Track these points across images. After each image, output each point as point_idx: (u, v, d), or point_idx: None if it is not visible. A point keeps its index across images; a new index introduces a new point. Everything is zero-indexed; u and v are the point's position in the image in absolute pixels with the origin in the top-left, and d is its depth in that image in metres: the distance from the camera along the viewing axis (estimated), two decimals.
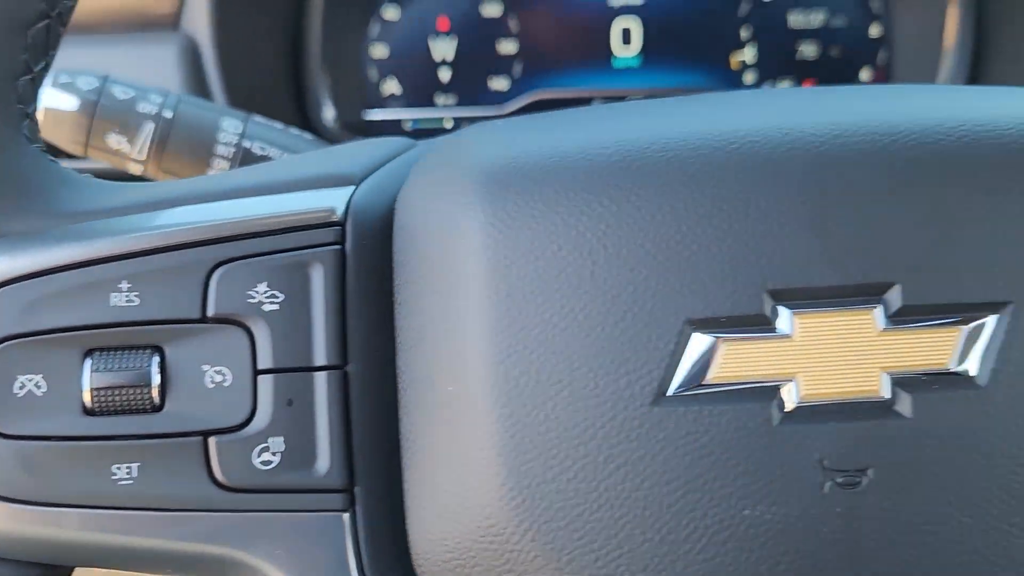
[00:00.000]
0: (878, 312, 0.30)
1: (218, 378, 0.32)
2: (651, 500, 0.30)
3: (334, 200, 0.33)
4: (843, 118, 0.31)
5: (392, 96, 0.89)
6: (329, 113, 0.86)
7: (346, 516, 0.32)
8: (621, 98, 0.90)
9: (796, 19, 0.89)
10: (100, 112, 0.53)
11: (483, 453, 0.30)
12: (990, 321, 0.30)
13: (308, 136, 0.61)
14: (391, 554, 0.32)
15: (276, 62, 0.84)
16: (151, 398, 0.32)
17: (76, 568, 0.35)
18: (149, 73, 0.66)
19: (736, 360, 0.30)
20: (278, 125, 0.59)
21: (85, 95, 0.53)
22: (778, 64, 0.90)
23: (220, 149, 0.54)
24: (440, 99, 0.89)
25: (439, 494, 0.31)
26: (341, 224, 0.32)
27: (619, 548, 0.30)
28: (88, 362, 0.32)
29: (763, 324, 0.30)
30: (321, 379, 0.32)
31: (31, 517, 0.32)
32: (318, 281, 0.32)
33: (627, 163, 0.31)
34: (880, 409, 0.30)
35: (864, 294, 0.30)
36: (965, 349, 0.30)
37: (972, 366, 0.30)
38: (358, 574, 0.32)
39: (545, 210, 0.31)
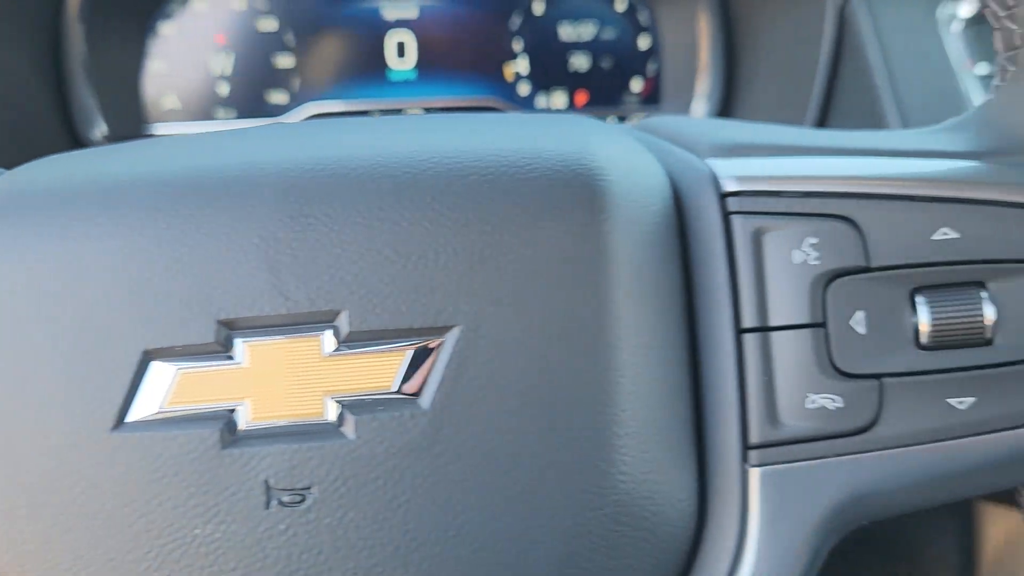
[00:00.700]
0: (327, 338, 0.32)
1: None
2: (113, 522, 0.31)
3: None
4: (304, 152, 0.33)
5: (171, 111, 0.90)
6: (100, 129, 0.86)
7: None
8: (399, 110, 0.91)
9: (567, 32, 0.92)
10: None
11: None
12: (435, 344, 0.32)
13: None
14: None
15: (37, 77, 0.84)
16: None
17: None
18: None
19: (192, 387, 0.32)
20: None
21: None
22: (551, 76, 0.92)
23: None
24: (220, 113, 0.90)
25: None
26: None
27: (87, 569, 0.31)
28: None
29: (218, 353, 0.32)
30: None
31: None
32: None
33: (92, 196, 0.32)
34: (325, 430, 0.31)
35: (313, 321, 0.32)
36: (409, 372, 0.32)
37: (415, 388, 0.32)
38: None
39: (15, 241, 0.32)
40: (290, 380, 0.32)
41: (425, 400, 0.32)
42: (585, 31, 0.92)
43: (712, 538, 0.36)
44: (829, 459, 0.34)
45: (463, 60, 0.92)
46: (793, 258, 0.35)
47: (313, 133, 0.36)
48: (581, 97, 0.93)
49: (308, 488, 0.31)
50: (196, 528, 0.31)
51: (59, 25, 0.85)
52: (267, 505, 0.31)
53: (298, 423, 0.31)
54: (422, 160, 0.33)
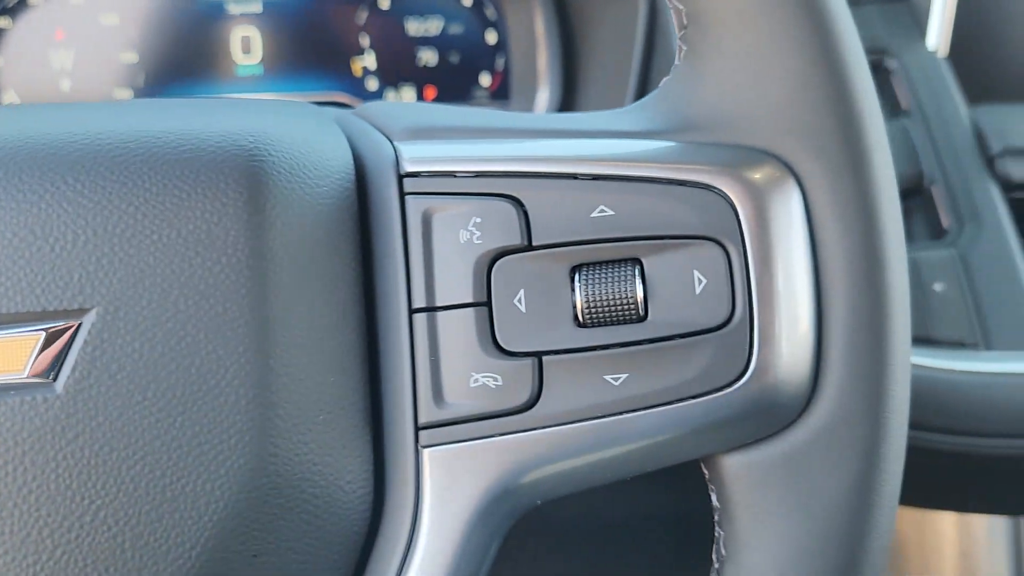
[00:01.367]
0: None
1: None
2: None
3: None
4: None
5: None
6: None
7: None
8: None
9: (414, 27, 0.92)
10: None
11: None
12: (70, 327, 0.32)
13: None
14: None
15: None
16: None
17: None
18: None
19: None
20: None
21: None
22: (399, 71, 0.92)
23: None
24: None
25: None
26: None
27: None
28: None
29: None
30: None
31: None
32: None
33: None
34: None
35: None
36: (42, 356, 0.31)
37: (47, 371, 0.31)
38: None
39: None
40: None
41: (59, 384, 0.31)
42: (432, 26, 0.92)
43: (389, 520, 0.35)
44: (494, 438, 0.34)
45: (310, 55, 0.91)
46: (460, 238, 0.35)
47: None
48: (430, 92, 0.93)
49: None
50: None
51: None
52: None
53: None
54: (68, 140, 0.33)
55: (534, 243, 0.35)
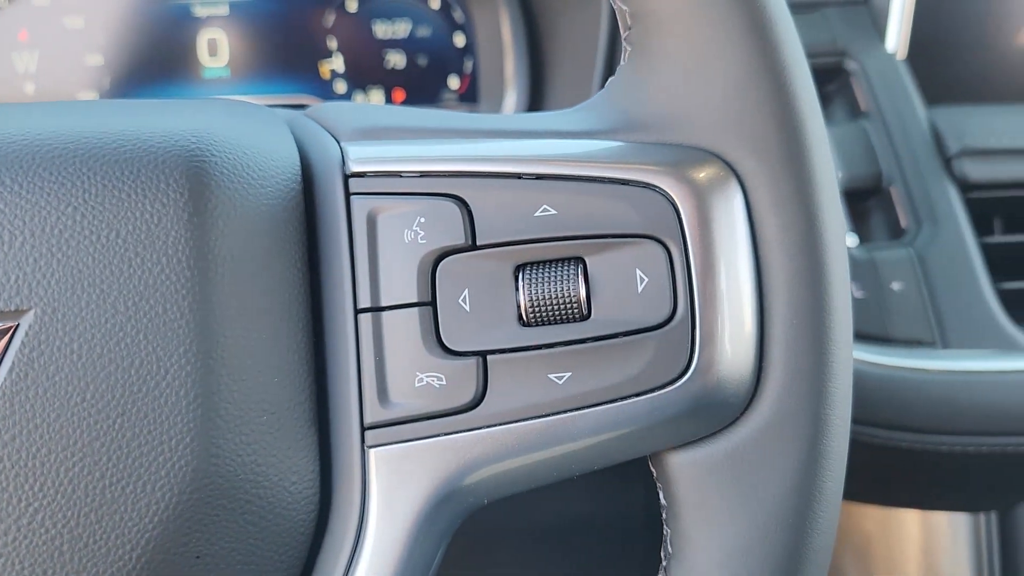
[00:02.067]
0: None
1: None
2: None
3: None
4: None
5: None
6: None
7: None
8: None
9: (382, 29, 0.92)
10: None
11: None
12: (9, 329, 0.31)
13: None
14: None
15: None
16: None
17: None
18: None
19: None
20: None
21: None
22: (367, 73, 0.92)
23: None
24: None
25: None
26: None
27: None
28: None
29: None
30: None
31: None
32: None
33: None
34: None
35: None
36: None
37: None
38: None
39: None
40: None
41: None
42: (400, 28, 0.92)
43: (336, 521, 0.35)
44: (439, 438, 0.34)
45: (277, 58, 0.91)
46: (404, 238, 0.35)
47: None
48: (398, 95, 0.93)
49: None
50: None
51: None
52: None
53: None
54: (5, 139, 0.33)
55: (478, 243, 0.35)
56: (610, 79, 0.38)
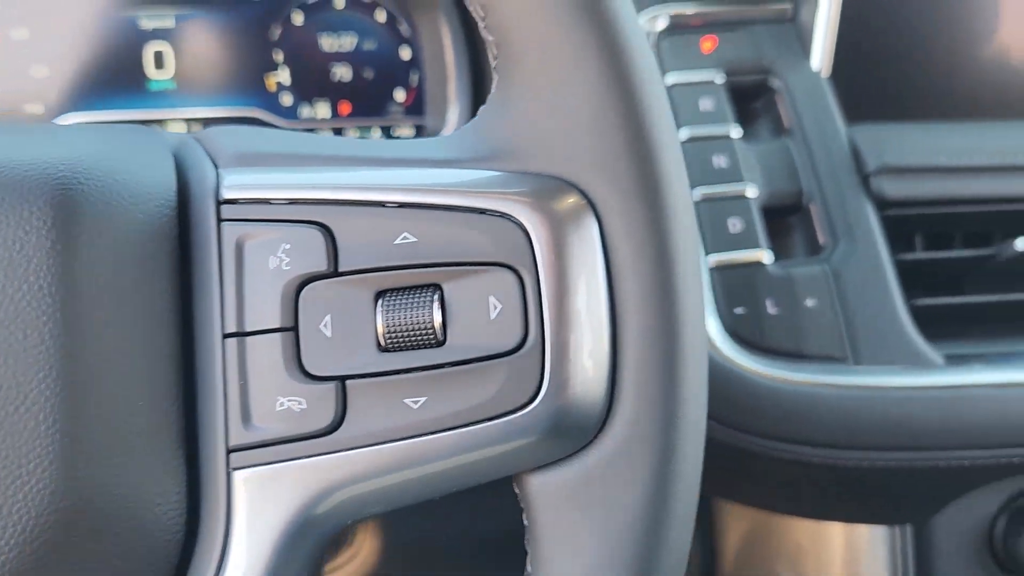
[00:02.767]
0: None
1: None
2: None
3: None
4: None
5: None
6: None
7: None
8: (159, 121, 0.91)
9: (328, 43, 0.93)
10: None
11: None
12: None
13: None
14: None
15: None
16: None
17: None
18: None
19: None
20: None
21: None
22: (313, 86, 0.92)
23: None
24: None
25: None
26: None
27: None
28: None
29: None
30: None
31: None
32: None
33: None
34: None
35: None
36: None
37: None
38: None
39: None
40: None
41: None
42: (346, 42, 0.93)
43: (202, 542, 0.36)
44: (300, 460, 0.35)
45: (223, 71, 0.92)
46: (270, 264, 0.36)
47: None
48: (344, 107, 0.93)
49: None
50: None
51: None
52: None
53: None
54: None
55: (340, 269, 0.35)
56: (481, 107, 0.39)
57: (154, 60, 0.91)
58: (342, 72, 0.93)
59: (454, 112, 0.90)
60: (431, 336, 0.35)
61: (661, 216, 0.35)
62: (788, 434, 0.60)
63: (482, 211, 0.35)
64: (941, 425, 0.60)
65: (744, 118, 0.73)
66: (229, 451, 0.36)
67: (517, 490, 0.37)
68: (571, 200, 0.35)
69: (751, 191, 0.66)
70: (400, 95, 0.94)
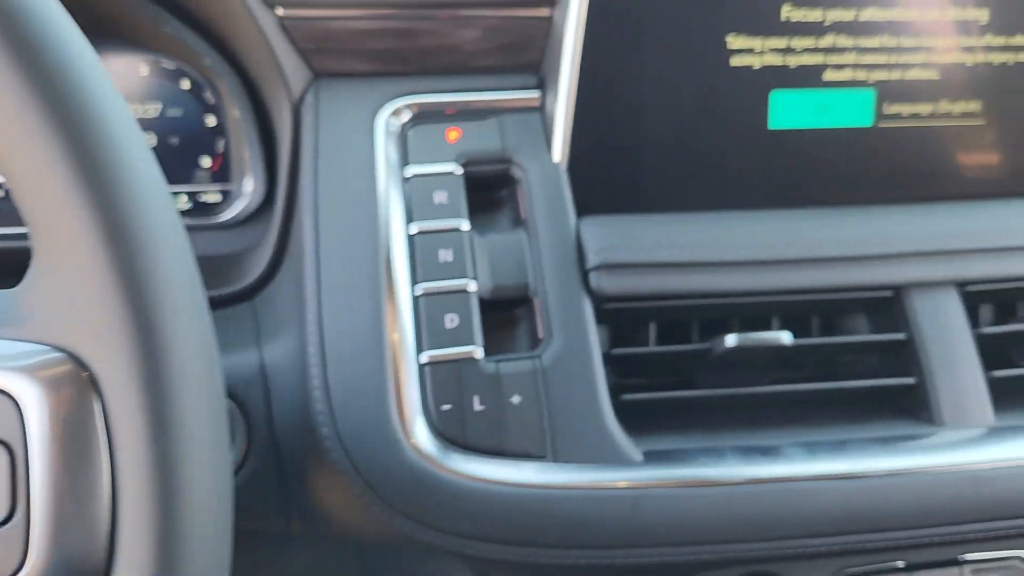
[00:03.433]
0: None
1: None
2: None
3: None
4: None
5: None
6: None
7: None
8: None
9: (133, 109, 0.94)
10: None
11: None
12: None
13: None
14: None
15: None
16: None
17: None
18: None
19: None
20: None
21: None
22: None
23: None
24: None
25: None
26: None
27: None
28: None
29: None
30: None
31: None
32: None
33: None
34: None
35: None
36: None
37: None
38: None
39: None
40: None
41: None
42: (151, 108, 0.94)
43: None
44: None
45: None
46: None
47: None
48: None
49: None
50: None
51: None
52: None
53: None
54: None
55: None
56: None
57: None
58: (148, 139, 0.94)
59: (248, 184, 0.91)
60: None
61: (160, 388, 0.37)
62: (480, 532, 0.62)
63: None
64: (624, 525, 0.62)
65: (488, 208, 0.74)
66: None
67: None
68: (67, 370, 0.37)
69: (472, 286, 0.67)
70: (206, 161, 0.95)
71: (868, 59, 0.76)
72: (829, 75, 0.75)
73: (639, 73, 0.73)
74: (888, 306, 0.73)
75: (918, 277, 0.72)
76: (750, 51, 0.74)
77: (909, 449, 0.67)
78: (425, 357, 0.65)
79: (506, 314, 0.70)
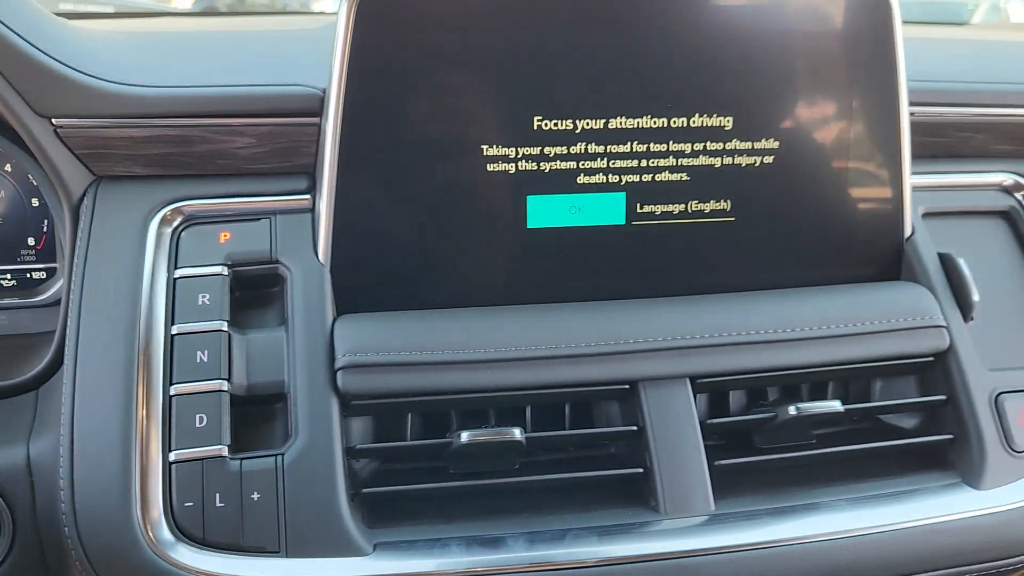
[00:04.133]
0: None
1: None
2: None
3: None
4: None
5: None
6: None
7: None
8: None
9: None
10: None
11: None
12: None
13: None
14: None
15: None
16: None
17: None
18: None
19: None
20: None
21: None
22: None
23: None
24: None
25: None
26: None
27: None
28: None
29: None
30: None
31: None
32: None
33: None
34: None
35: None
36: None
37: None
38: None
39: None
40: None
41: None
42: None
43: None
44: None
45: None
46: None
47: None
48: None
49: None
50: None
51: None
52: None
53: None
54: None
55: None
56: None
57: None
58: None
59: (65, 264, 0.95)
60: None
61: None
62: None
63: None
64: None
65: (258, 305, 0.79)
66: None
67: None
68: None
69: (224, 385, 0.72)
70: (32, 240, 0.99)
71: (619, 164, 0.81)
72: (582, 179, 0.80)
73: (398, 176, 0.77)
74: (633, 395, 0.78)
75: (652, 372, 0.77)
76: (505, 158, 0.79)
77: (626, 538, 0.72)
78: (173, 456, 0.70)
79: (267, 408, 0.74)
